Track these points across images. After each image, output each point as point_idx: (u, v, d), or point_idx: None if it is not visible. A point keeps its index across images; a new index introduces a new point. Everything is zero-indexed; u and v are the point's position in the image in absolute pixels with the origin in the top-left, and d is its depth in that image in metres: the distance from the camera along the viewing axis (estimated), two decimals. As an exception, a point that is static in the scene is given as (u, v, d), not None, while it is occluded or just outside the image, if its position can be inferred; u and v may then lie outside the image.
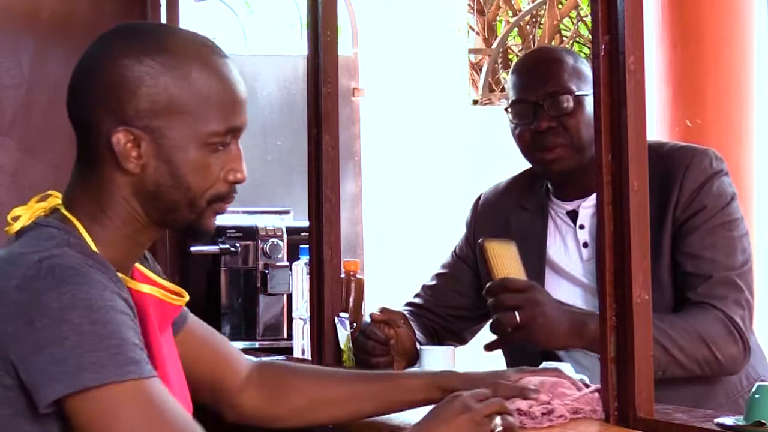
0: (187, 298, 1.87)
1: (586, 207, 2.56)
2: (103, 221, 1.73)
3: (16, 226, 1.73)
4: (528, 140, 2.54)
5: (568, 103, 2.49)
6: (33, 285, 1.58)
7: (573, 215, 2.59)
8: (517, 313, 2.32)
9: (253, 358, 2.11)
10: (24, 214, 1.74)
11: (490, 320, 2.40)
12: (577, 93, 2.50)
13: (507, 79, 2.66)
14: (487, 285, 2.41)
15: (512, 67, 2.69)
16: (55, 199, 1.76)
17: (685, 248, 2.41)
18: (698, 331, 2.33)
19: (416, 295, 2.83)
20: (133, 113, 1.71)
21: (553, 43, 9.13)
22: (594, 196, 2.48)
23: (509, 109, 2.57)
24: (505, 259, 2.47)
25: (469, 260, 2.76)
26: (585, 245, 2.56)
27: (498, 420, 1.79)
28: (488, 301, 2.38)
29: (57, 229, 1.69)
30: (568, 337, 2.35)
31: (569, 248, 2.59)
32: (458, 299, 2.76)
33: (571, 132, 2.50)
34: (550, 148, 2.51)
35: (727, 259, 2.40)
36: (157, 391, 1.61)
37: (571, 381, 2.06)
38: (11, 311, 1.58)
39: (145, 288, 1.79)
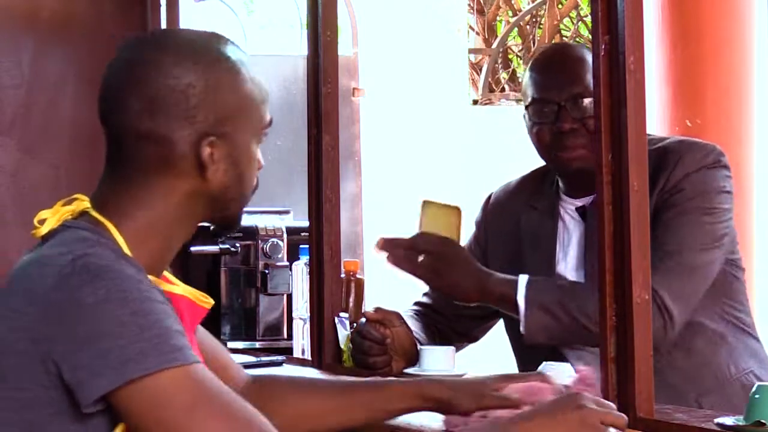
0: (212, 301, 1.90)
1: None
2: (142, 225, 1.73)
3: (44, 229, 1.73)
4: (548, 140, 2.50)
5: (590, 105, 2.46)
6: (69, 283, 1.59)
7: (582, 211, 2.57)
8: (420, 257, 2.43)
9: (248, 375, 2.10)
10: (51, 218, 1.74)
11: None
12: None
13: (525, 75, 2.62)
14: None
15: (531, 63, 2.63)
16: (82, 202, 1.76)
17: (652, 230, 2.37)
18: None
19: (424, 294, 2.81)
20: (212, 121, 1.73)
21: (564, 40, 9.13)
22: None
23: (528, 108, 2.53)
24: (439, 221, 2.52)
25: (478, 259, 2.74)
26: None
27: (612, 431, 1.74)
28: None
29: (87, 231, 1.69)
30: (470, 291, 2.49)
31: (577, 248, 2.57)
32: None
33: (593, 133, 2.46)
34: (572, 149, 2.47)
35: (687, 241, 2.36)
36: (205, 376, 1.60)
37: (555, 388, 1.97)
38: (49, 311, 1.59)
39: (178, 289, 1.82)
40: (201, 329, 2.01)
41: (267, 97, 1.83)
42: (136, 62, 1.76)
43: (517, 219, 2.66)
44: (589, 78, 2.45)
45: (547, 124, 2.49)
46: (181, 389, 1.57)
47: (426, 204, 2.54)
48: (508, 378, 1.99)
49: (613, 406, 1.80)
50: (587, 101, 2.45)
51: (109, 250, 1.66)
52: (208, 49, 1.77)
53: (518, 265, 2.61)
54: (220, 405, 1.59)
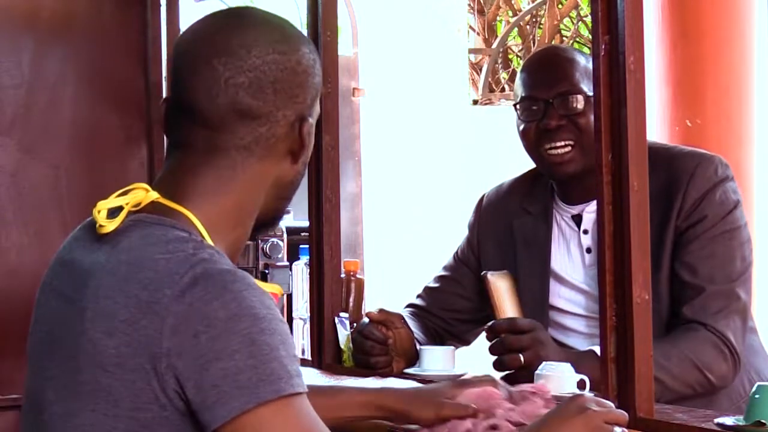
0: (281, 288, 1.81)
1: (590, 212, 2.53)
2: (224, 212, 1.62)
3: (113, 225, 1.57)
4: (533, 137, 2.51)
5: (579, 102, 2.48)
6: (193, 294, 1.47)
7: (578, 219, 2.58)
8: (521, 355, 2.32)
9: None
10: (123, 208, 1.59)
11: (493, 357, 2.41)
12: (588, 94, 2.47)
13: (517, 76, 2.64)
14: (490, 324, 2.43)
15: (522, 64, 2.67)
16: (145, 192, 1.61)
17: (684, 257, 2.40)
18: (690, 358, 2.34)
19: (418, 296, 2.83)
20: (309, 103, 1.66)
21: (553, 43, 9.12)
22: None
23: (518, 106, 2.55)
24: (506, 295, 2.51)
25: (470, 263, 2.75)
26: (588, 251, 2.55)
27: (618, 430, 1.74)
28: (492, 339, 2.39)
29: (176, 229, 1.56)
30: None
31: (572, 254, 2.57)
32: (460, 302, 2.76)
33: (581, 130, 2.47)
34: (558, 145, 2.48)
35: (725, 269, 2.40)
36: (311, 409, 1.52)
37: (506, 393, 1.96)
38: (169, 323, 1.46)
39: (268, 286, 1.67)
40: None
41: None
42: (231, 35, 1.63)
43: (510, 222, 2.66)
44: (578, 76, 2.47)
45: (534, 122, 2.51)
46: (302, 418, 1.48)
47: (491, 279, 2.54)
48: (461, 385, 1.97)
49: (612, 405, 1.81)
50: (574, 98, 2.47)
51: (215, 251, 1.53)
52: (299, 31, 1.70)
53: (512, 269, 2.61)
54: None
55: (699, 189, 2.42)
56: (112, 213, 1.59)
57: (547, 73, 2.53)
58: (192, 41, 1.66)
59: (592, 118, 2.44)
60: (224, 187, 1.61)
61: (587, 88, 2.47)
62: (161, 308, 1.47)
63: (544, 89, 2.50)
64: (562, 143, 2.48)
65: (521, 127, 2.54)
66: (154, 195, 1.60)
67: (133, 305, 1.49)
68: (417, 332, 2.68)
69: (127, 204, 1.58)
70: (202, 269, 1.48)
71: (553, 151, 2.49)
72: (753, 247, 2.48)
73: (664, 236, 2.41)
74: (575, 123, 2.47)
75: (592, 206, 2.50)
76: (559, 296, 2.56)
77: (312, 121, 1.67)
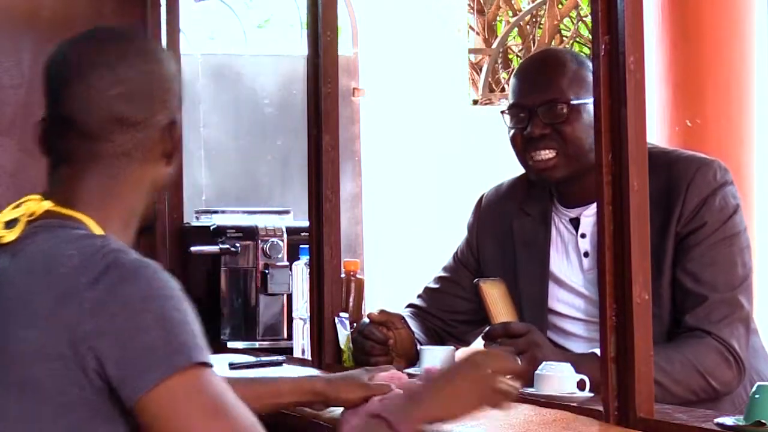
0: None
1: (588, 215, 2.53)
2: (116, 216, 1.75)
3: (14, 234, 1.71)
4: (520, 145, 2.53)
5: (563, 110, 2.48)
6: (106, 280, 1.59)
7: (575, 223, 2.58)
8: (518, 359, 2.32)
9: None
10: (20, 219, 1.74)
11: None
12: (573, 101, 2.48)
13: (509, 86, 2.66)
14: (486, 330, 2.43)
15: (516, 69, 2.68)
16: (38, 202, 1.75)
17: (686, 264, 2.40)
18: (694, 364, 2.34)
19: (418, 297, 2.82)
20: (177, 106, 1.80)
21: (553, 43, 9.12)
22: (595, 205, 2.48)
23: (506, 112, 2.57)
24: (499, 301, 2.52)
25: (469, 265, 2.75)
26: (586, 255, 2.55)
27: (503, 379, 1.87)
28: (488, 345, 2.39)
29: (81, 230, 1.70)
30: None
31: (571, 257, 2.57)
32: (460, 303, 2.75)
33: (565, 138, 2.48)
34: (542, 154, 2.50)
35: (726, 276, 2.40)
36: (221, 380, 1.65)
37: (406, 376, 2.21)
38: (87, 308, 1.58)
39: None
40: None
41: None
42: (102, 51, 1.76)
43: (509, 223, 2.66)
44: (565, 83, 2.48)
45: (521, 129, 2.52)
46: (211, 385, 1.60)
47: (483, 287, 2.54)
48: (371, 370, 2.21)
49: (513, 357, 1.96)
50: (558, 106, 2.48)
51: (121, 243, 1.67)
52: (157, 43, 1.88)
53: (511, 271, 2.61)
54: (233, 407, 1.62)
55: (699, 194, 2.42)
56: (9, 225, 1.73)
57: (533, 80, 2.54)
58: (65, 60, 1.77)
59: (578, 123, 2.46)
60: (111, 193, 1.74)
61: (574, 94, 2.48)
62: (78, 296, 1.59)
63: (529, 97, 2.52)
64: (546, 151, 2.50)
65: (510, 134, 2.57)
66: (47, 204, 1.73)
67: (51, 298, 1.60)
68: (417, 332, 2.68)
69: (23, 215, 1.73)
70: (113, 257, 1.61)
71: (538, 158, 2.51)
72: (752, 252, 2.48)
73: (665, 242, 2.41)
74: (559, 131, 2.49)
75: (590, 209, 2.51)
76: (558, 300, 2.56)
77: (179, 123, 1.81)
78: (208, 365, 1.60)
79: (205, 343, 1.63)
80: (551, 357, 2.32)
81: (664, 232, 2.41)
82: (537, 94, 2.50)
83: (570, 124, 2.47)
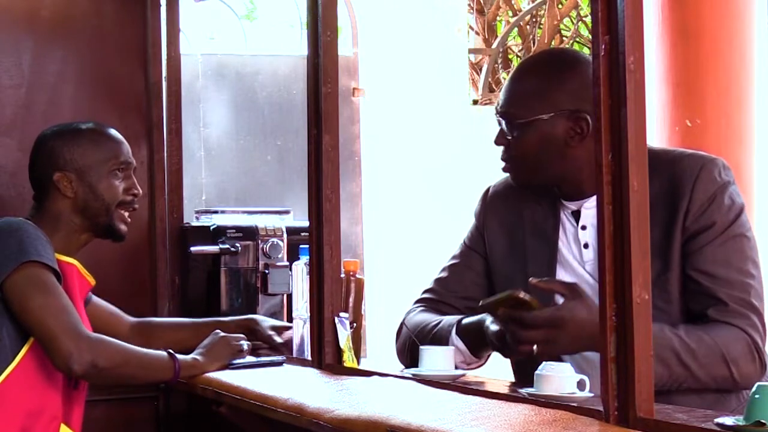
0: (94, 281, 3.02)
1: (588, 207, 2.55)
2: (54, 229, 2.92)
3: None
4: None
5: (513, 126, 2.55)
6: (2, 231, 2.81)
7: (576, 215, 2.59)
8: (534, 347, 2.33)
9: (132, 318, 3.25)
10: None
11: (500, 343, 2.41)
12: (522, 120, 2.53)
13: None
14: (504, 316, 2.38)
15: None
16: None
17: (699, 265, 2.41)
18: (722, 351, 2.36)
19: (428, 290, 2.80)
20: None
21: (553, 43, 9.12)
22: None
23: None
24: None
25: (480, 249, 2.75)
26: (585, 246, 2.56)
27: (245, 343, 3.02)
28: (502, 331, 2.38)
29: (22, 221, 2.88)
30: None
31: (572, 248, 2.58)
32: (472, 288, 2.73)
33: (512, 152, 2.57)
34: (503, 159, 2.61)
35: (741, 275, 2.41)
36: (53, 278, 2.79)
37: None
38: None
39: (68, 259, 2.91)
40: (95, 298, 3.16)
41: None
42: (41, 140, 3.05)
43: (519, 210, 2.67)
44: (524, 99, 2.54)
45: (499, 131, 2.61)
46: (43, 273, 2.76)
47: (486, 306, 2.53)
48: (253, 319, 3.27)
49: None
50: (510, 123, 2.55)
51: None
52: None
53: (521, 256, 2.62)
54: (54, 287, 2.76)
55: (705, 191, 2.43)
56: None
57: (505, 89, 2.61)
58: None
59: (527, 140, 2.53)
60: (47, 216, 3.00)
61: (530, 111, 2.53)
62: None
63: (498, 104, 2.60)
64: (504, 157, 2.60)
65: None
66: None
67: None
68: (437, 322, 2.68)
69: None
70: (4, 220, 2.87)
71: (502, 161, 2.61)
72: (758, 249, 2.50)
73: (672, 237, 2.42)
74: (508, 144, 2.57)
75: (590, 202, 2.52)
76: None
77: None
78: (51, 267, 2.76)
79: (51, 257, 2.78)
80: (568, 340, 2.32)
81: (670, 227, 2.42)
82: (502, 104, 2.59)
83: (518, 140, 2.55)
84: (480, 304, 2.45)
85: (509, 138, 2.56)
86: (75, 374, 2.75)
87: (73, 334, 2.71)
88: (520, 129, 2.53)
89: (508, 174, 2.66)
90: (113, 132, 3.04)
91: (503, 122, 2.58)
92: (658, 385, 2.17)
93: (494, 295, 2.49)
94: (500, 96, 2.60)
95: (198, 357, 2.98)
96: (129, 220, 3.00)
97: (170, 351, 2.93)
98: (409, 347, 2.70)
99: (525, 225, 2.65)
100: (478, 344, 2.58)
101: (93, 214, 2.94)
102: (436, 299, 2.77)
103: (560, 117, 2.50)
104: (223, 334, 3.03)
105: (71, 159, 2.94)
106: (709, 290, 2.40)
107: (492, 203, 2.76)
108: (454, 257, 2.80)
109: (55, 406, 2.82)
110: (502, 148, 2.60)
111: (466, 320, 2.61)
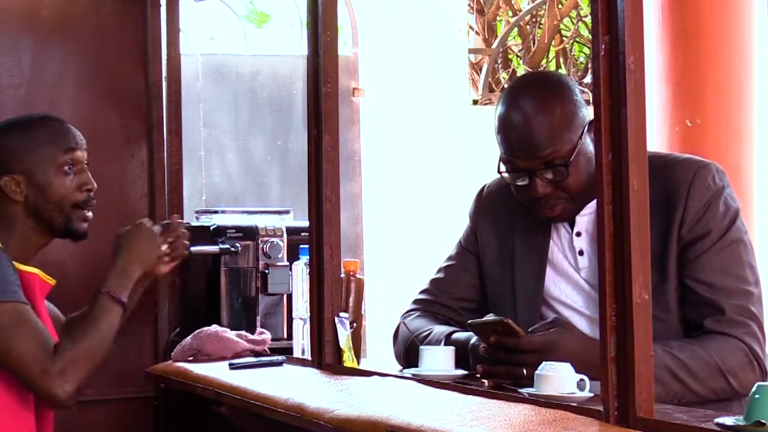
0: (54, 281, 2.86)
1: (583, 214, 2.53)
2: (9, 235, 2.80)
3: None
4: (525, 199, 2.52)
5: (562, 168, 2.45)
6: None
7: (571, 222, 2.57)
8: (525, 370, 2.31)
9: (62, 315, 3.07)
10: None
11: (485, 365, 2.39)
12: (567, 150, 2.44)
13: (494, 129, 2.54)
14: (495, 340, 2.36)
15: (497, 117, 2.53)
16: None
17: (696, 274, 2.40)
18: (718, 364, 2.34)
19: (423, 291, 2.80)
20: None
21: (553, 43, 9.13)
22: (591, 203, 2.48)
23: (501, 162, 2.52)
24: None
25: (474, 250, 2.74)
26: (581, 253, 2.55)
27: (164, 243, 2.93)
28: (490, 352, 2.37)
29: None
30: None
31: (567, 255, 2.58)
32: (467, 289, 2.73)
33: (569, 190, 2.47)
34: (550, 209, 2.49)
35: (739, 282, 2.40)
36: (29, 312, 2.66)
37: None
38: None
39: (28, 268, 2.78)
40: (48, 303, 2.95)
41: None
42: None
43: (511, 214, 2.66)
44: (557, 138, 2.43)
45: (524, 188, 2.49)
46: (30, 314, 2.64)
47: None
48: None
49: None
50: (559, 168, 2.44)
51: None
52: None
53: (509, 260, 2.61)
54: (37, 330, 2.64)
55: (700, 198, 2.41)
56: None
57: (524, 140, 2.46)
58: None
59: (578, 165, 2.44)
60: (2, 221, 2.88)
61: (568, 141, 2.44)
62: None
63: (524, 159, 2.46)
64: (554, 206, 2.49)
65: (511, 187, 2.53)
66: None
67: None
68: (431, 326, 2.67)
69: None
70: None
71: (546, 213, 2.51)
72: (755, 253, 2.49)
73: (668, 247, 2.41)
74: (561, 186, 2.46)
75: (586, 209, 2.51)
76: (560, 293, 2.56)
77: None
78: (23, 303, 2.64)
79: (17, 288, 2.65)
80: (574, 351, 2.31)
81: (666, 236, 2.40)
82: (533, 160, 2.45)
83: (572, 176, 2.46)
84: (468, 323, 2.45)
85: (558, 179, 2.45)
86: (71, 404, 2.66)
87: (49, 374, 2.59)
88: (569, 161, 2.44)
89: (554, 216, 2.56)
90: (59, 123, 2.88)
91: (545, 170, 2.45)
92: (657, 402, 2.16)
93: (484, 316, 2.48)
94: (520, 151, 2.45)
95: (123, 265, 2.80)
96: (90, 215, 2.85)
97: (97, 291, 2.76)
98: (405, 354, 2.71)
99: (516, 230, 2.64)
100: (462, 360, 2.56)
101: (47, 216, 2.81)
102: (431, 300, 2.77)
103: (588, 131, 2.46)
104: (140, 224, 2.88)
105: (17, 160, 2.80)
106: (707, 300, 2.38)
107: (485, 204, 2.75)
108: (449, 258, 2.79)
109: (29, 424, 2.73)
110: (521, 198, 2.51)
111: (456, 335, 2.61)
